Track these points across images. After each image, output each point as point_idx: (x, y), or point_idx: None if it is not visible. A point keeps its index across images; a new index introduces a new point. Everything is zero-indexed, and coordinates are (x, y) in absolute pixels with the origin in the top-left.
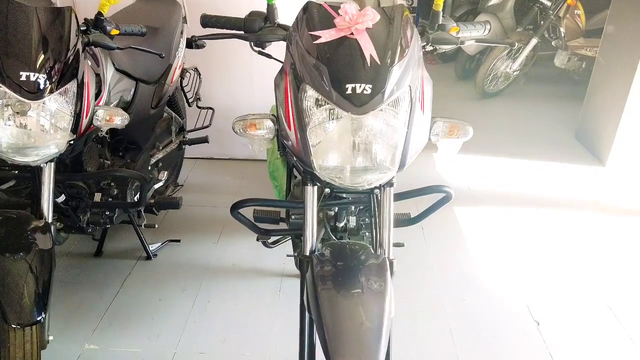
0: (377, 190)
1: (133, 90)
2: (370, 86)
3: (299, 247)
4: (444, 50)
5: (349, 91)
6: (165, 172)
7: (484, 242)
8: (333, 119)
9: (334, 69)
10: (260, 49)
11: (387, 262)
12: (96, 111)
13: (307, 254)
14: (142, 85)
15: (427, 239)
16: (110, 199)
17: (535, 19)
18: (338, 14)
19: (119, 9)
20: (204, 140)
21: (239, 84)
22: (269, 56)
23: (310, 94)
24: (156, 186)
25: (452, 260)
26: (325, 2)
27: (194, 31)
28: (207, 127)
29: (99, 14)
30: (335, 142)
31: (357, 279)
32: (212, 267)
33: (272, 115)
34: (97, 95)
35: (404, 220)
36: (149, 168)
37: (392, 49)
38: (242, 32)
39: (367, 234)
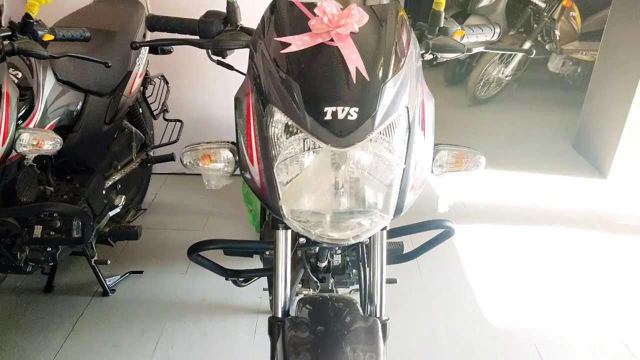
0: (365, 240)
1: (81, 103)
2: (357, 109)
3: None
4: (446, 59)
5: (327, 116)
6: (123, 197)
7: (481, 265)
8: (308, 151)
9: (308, 87)
10: (219, 58)
11: (379, 325)
12: (19, 135)
13: (279, 315)
14: (92, 97)
15: (420, 265)
16: (52, 233)
17: (528, 21)
18: (314, 14)
19: (74, 10)
20: (170, 158)
21: (212, 93)
22: (230, 67)
23: (278, 119)
24: (112, 213)
25: (449, 291)
26: (298, 0)
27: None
28: (174, 142)
29: (27, 16)
30: (311, 182)
31: (341, 349)
32: (179, 303)
33: (232, 143)
34: (29, 113)
35: (396, 257)
36: (104, 192)
37: (385, 60)
38: (197, 37)
39: (354, 271)
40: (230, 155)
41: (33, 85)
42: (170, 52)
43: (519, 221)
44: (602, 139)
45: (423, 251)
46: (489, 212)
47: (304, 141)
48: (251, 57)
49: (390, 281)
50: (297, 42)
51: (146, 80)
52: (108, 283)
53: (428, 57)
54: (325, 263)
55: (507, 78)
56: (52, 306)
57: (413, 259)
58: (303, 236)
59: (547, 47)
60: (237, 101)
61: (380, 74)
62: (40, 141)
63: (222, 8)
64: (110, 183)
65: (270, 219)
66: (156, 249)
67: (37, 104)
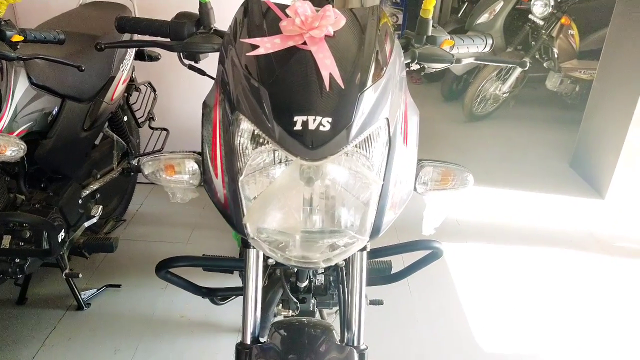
0: (341, 263)
1: (57, 108)
2: (330, 119)
3: None
4: (433, 70)
5: (298, 126)
6: (100, 207)
7: (475, 287)
8: (279, 164)
9: (277, 94)
10: (191, 63)
11: (355, 355)
12: None
13: (247, 342)
14: (70, 103)
15: (410, 285)
16: (22, 243)
17: (526, 38)
18: (286, 15)
19: (57, 13)
20: None
21: (201, 102)
22: (202, 72)
23: (245, 127)
24: (88, 223)
25: (440, 312)
26: (270, 0)
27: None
28: (158, 151)
29: None
30: (279, 198)
31: None
32: (156, 320)
33: (197, 154)
34: None
35: (382, 277)
36: (80, 202)
37: (364, 67)
38: (167, 40)
39: (337, 292)
40: (195, 166)
41: (1, 88)
42: (158, 58)
43: (514, 241)
44: (600, 158)
45: (410, 272)
46: (483, 230)
47: (273, 153)
48: (221, 61)
49: (376, 302)
50: (266, 45)
51: (131, 87)
52: (83, 296)
53: (414, 67)
54: (306, 283)
55: (504, 95)
56: (24, 319)
57: (399, 280)
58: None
59: (545, 64)
60: (205, 107)
61: (358, 82)
62: (2, 147)
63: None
64: (87, 192)
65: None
66: (136, 262)
67: (5, 108)
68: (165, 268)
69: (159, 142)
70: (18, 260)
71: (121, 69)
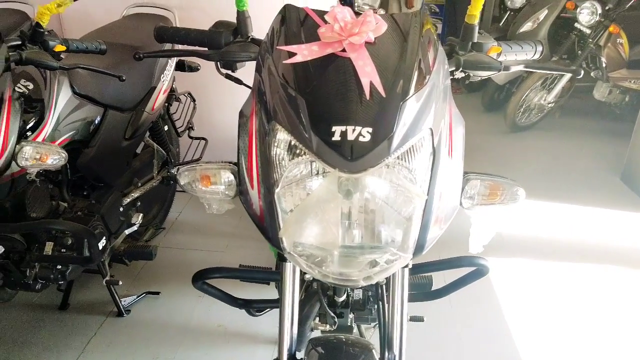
0: (382, 280)
1: (99, 118)
2: (370, 130)
3: None
4: (479, 78)
5: (336, 136)
6: (141, 215)
7: (521, 304)
8: (316, 175)
9: (315, 103)
10: (228, 72)
11: None
12: (21, 149)
13: (284, 358)
14: (112, 112)
15: (452, 301)
16: (64, 250)
17: (572, 47)
18: (325, 21)
19: (101, 24)
20: None
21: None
22: (238, 82)
23: (282, 138)
24: (129, 231)
25: (484, 332)
26: (308, 7)
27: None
28: (197, 160)
29: (37, 25)
30: (316, 211)
31: None
32: (194, 328)
33: (233, 164)
34: (39, 125)
35: (423, 294)
36: (121, 209)
37: (406, 75)
38: (205, 49)
39: (375, 307)
40: (231, 177)
41: (45, 97)
42: (198, 69)
43: (562, 257)
44: None
45: (452, 290)
46: (529, 245)
47: (311, 164)
48: (258, 70)
49: (417, 319)
50: (304, 52)
51: (171, 96)
52: (124, 303)
53: (459, 75)
54: (344, 297)
55: (549, 105)
56: (65, 324)
57: (441, 297)
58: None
59: (592, 74)
60: (241, 117)
61: (400, 90)
62: (43, 155)
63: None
64: (128, 200)
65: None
66: (175, 270)
67: (48, 117)
68: (201, 279)
69: (197, 151)
70: (60, 267)
71: (162, 80)
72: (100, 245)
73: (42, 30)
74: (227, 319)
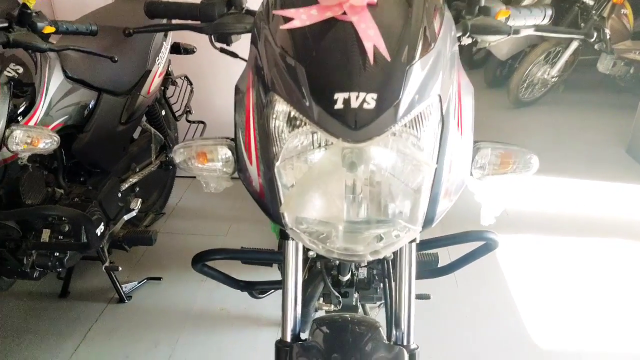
0: (389, 255)
1: (94, 102)
2: (375, 96)
3: None
4: (488, 44)
5: (338, 104)
6: (140, 200)
7: (527, 281)
8: (318, 148)
9: (315, 70)
10: (222, 46)
11: (405, 355)
12: (11, 133)
13: (287, 339)
14: (107, 96)
15: (457, 279)
16: (61, 237)
17: (575, 20)
18: None
19: (93, 8)
20: None
21: None
22: (234, 55)
23: (281, 109)
24: (127, 217)
25: (491, 309)
26: None
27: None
28: None
29: (24, 6)
30: (318, 184)
31: None
32: (196, 313)
33: (230, 140)
34: (30, 110)
35: (429, 271)
36: (119, 195)
37: (411, 39)
38: (198, 22)
39: (381, 285)
40: (228, 153)
41: (35, 81)
42: (194, 51)
43: (569, 231)
44: None
45: (460, 265)
46: (535, 221)
47: (312, 136)
48: (253, 41)
49: (422, 297)
50: (302, 17)
51: (167, 80)
52: (124, 289)
53: (466, 40)
54: (349, 276)
55: (552, 79)
56: (66, 312)
57: (448, 273)
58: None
59: (596, 46)
60: (237, 92)
61: (405, 55)
62: (35, 139)
63: None
64: (126, 186)
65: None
66: (176, 255)
67: (40, 101)
68: (201, 261)
69: (196, 135)
70: (58, 254)
71: (157, 62)
72: (98, 231)
73: (29, 11)
74: (229, 302)
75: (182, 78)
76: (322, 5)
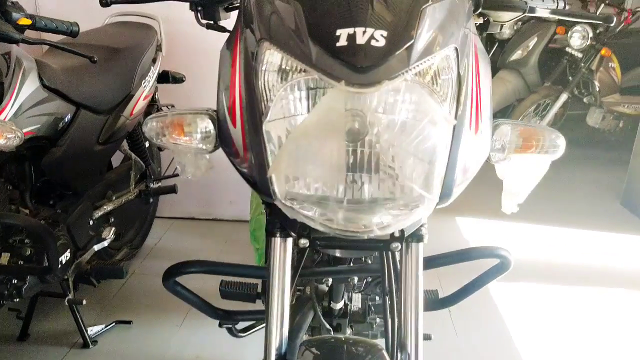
0: (396, 245)
1: (70, 116)
2: (385, 33)
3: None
4: (501, 27)
5: (342, 41)
6: (113, 229)
7: (529, 330)
8: (313, 100)
9: (313, 5)
10: (209, 22)
11: None
12: None
13: (272, 359)
14: (85, 112)
15: (456, 325)
16: (21, 262)
17: (564, 73)
18: None
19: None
20: (171, 190)
21: None
22: (222, 29)
23: (273, 60)
24: (98, 247)
25: (491, 355)
26: None
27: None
28: (178, 175)
29: None
30: (315, 141)
31: None
32: None
33: (213, 111)
34: None
35: (439, 301)
36: (91, 222)
37: None
38: None
39: (377, 320)
40: (210, 126)
41: (5, 82)
42: (183, 80)
43: (569, 280)
44: None
45: (470, 292)
46: (534, 269)
47: (305, 83)
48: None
49: (424, 337)
50: None
51: (153, 107)
52: (90, 333)
53: (477, 20)
54: (341, 304)
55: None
56: (24, 357)
57: (454, 304)
58: (305, 237)
59: (585, 99)
60: (223, 50)
61: None
62: None
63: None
64: (100, 213)
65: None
66: (150, 298)
67: (7, 101)
68: (174, 276)
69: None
70: (16, 282)
71: (143, 85)
72: (64, 258)
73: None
74: (207, 350)
75: (169, 107)
76: None
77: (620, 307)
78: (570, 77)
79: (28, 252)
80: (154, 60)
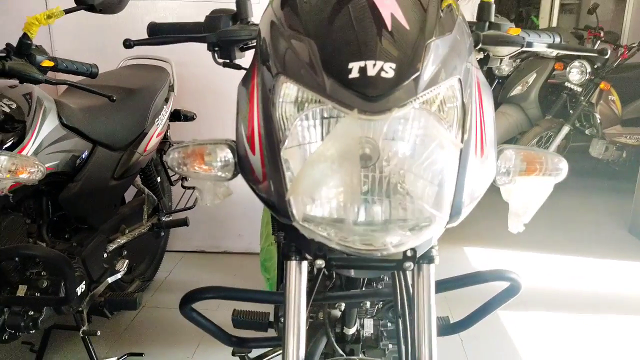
0: (408, 264)
1: (87, 153)
2: (394, 65)
3: None
4: (499, 61)
5: (354, 73)
6: (126, 262)
7: (540, 357)
8: (327, 128)
9: (327, 42)
10: (226, 60)
11: None
12: None
13: None
14: (101, 149)
15: (467, 352)
16: (38, 294)
17: (564, 107)
18: None
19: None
20: (183, 222)
21: None
22: (238, 67)
23: (289, 92)
24: (112, 279)
25: None
26: None
27: (184, 102)
28: (190, 208)
29: (24, 36)
30: (330, 166)
31: None
32: None
33: (232, 141)
34: (16, 146)
35: (449, 327)
36: (105, 255)
37: (429, 19)
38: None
39: (390, 347)
40: (229, 155)
41: (27, 120)
42: (194, 118)
43: (580, 308)
44: None
45: (480, 317)
46: (544, 297)
47: (320, 113)
48: (258, 36)
49: None
50: None
51: (165, 144)
52: None
53: (478, 55)
54: (354, 329)
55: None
56: None
57: (465, 329)
58: (321, 257)
59: (587, 131)
60: (240, 87)
61: (425, 30)
62: (19, 167)
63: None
64: (114, 246)
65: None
66: (161, 330)
67: (29, 139)
68: (191, 302)
69: (190, 200)
70: (32, 313)
71: (156, 123)
72: (79, 290)
73: (29, 42)
74: None
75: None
76: None
77: (630, 335)
78: (571, 110)
79: (45, 284)
80: (166, 100)
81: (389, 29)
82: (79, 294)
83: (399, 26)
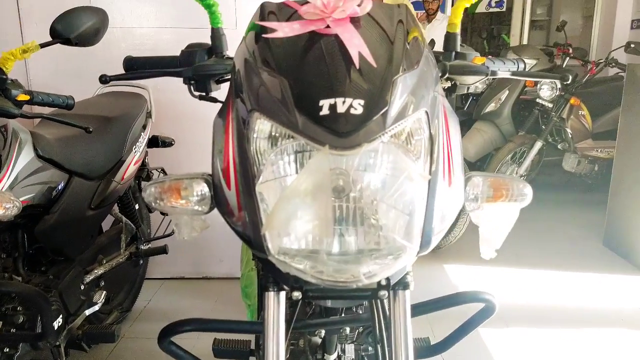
0: (383, 293)
1: (63, 184)
2: (362, 102)
3: None
4: (466, 88)
5: (324, 110)
6: (104, 292)
7: None
8: (300, 162)
9: (298, 80)
10: (202, 93)
11: None
12: None
13: None
14: (78, 179)
15: None
16: (14, 330)
17: (536, 122)
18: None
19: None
20: (162, 250)
21: None
22: (214, 100)
23: (262, 128)
24: (89, 311)
25: None
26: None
27: (162, 127)
28: (169, 235)
29: (0, 71)
30: (304, 199)
31: None
32: None
33: (208, 175)
34: None
35: (426, 349)
36: (82, 287)
37: (396, 54)
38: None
39: None
40: (205, 189)
41: (2, 154)
42: (172, 144)
43: (557, 322)
44: (634, 234)
45: (458, 338)
46: (523, 312)
47: (293, 148)
48: (232, 74)
49: None
50: (285, 29)
51: (143, 171)
52: None
53: (445, 84)
54: (335, 356)
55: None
56: None
57: (443, 351)
58: (298, 288)
59: (559, 146)
60: (216, 121)
61: (391, 66)
62: None
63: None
64: (91, 277)
65: (260, 286)
66: None
67: (4, 173)
68: (169, 335)
69: (169, 227)
70: (7, 350)
71: (133, 150)
72: (56, 324)
73: (4, 77)
74: None
75: (159, 170)
76: (305, 20)
77: (607, 347)
78: (543, 126)
79: (20, 320)
80: (144, 127)
81: (357, 66)
82: (55, 328)
83: (367, 65)
